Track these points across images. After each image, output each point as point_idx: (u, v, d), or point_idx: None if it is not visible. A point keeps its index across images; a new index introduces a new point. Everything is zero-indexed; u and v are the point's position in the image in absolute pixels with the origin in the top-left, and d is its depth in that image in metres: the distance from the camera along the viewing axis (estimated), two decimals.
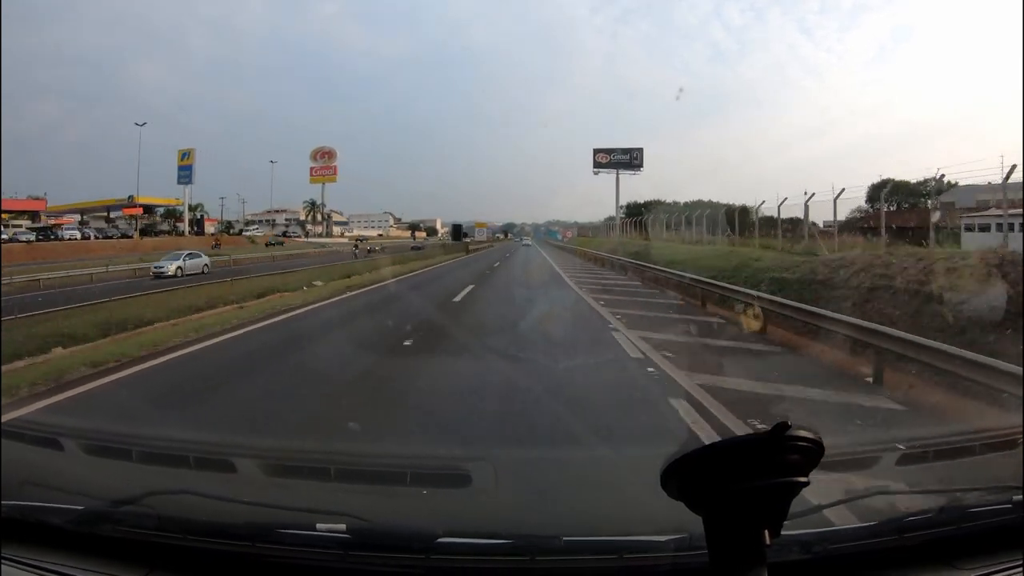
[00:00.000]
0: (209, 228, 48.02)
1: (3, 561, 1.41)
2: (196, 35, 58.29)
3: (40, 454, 2.85)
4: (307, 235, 50.66)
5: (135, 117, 58.68)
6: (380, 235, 53.81)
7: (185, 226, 46.16)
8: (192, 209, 47.69)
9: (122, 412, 5.37)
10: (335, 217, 54.73)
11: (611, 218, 48.35)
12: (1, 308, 9.14)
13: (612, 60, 60.60)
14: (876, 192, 22.18)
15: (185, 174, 44.70)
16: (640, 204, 47.06)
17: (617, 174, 46.69)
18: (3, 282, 16.02)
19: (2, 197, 34.04)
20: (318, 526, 1.51)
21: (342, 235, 51.96)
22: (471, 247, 44.04)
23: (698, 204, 33.34)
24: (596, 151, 46.79)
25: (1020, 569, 1.39)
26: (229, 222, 50.62)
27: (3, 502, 1.55)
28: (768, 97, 57.44)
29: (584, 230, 52.98)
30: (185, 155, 44.33)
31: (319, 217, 52.40)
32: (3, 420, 4.09)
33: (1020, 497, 1.51)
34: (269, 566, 1.45)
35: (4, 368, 6.33)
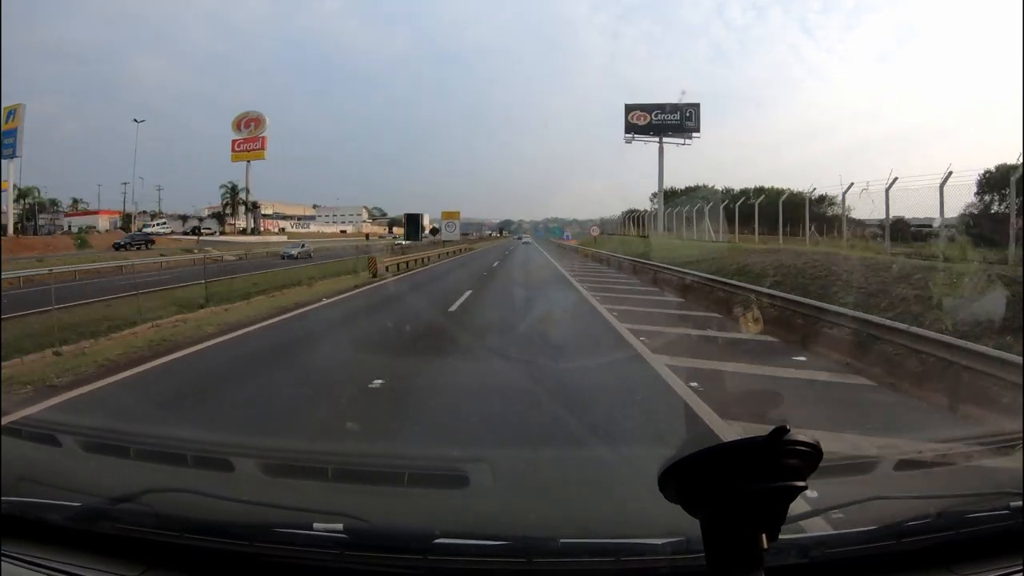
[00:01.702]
0: (103, 223, 36.65)
1: (2, 558, 1.41)
2: (195, 31, 57.82)
3: (38, 451, 2.85)
4: (220, 232, 38.26)
5: (133, 114, 57.82)
6: (343, 232, 44.65)
7: (9, 221, 29.76)
8: (23, 195, 31.35)
9: (120, 411, 5.37)
10: (298, 211, 45.34)
11: (631, 211, 37.80)
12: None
13: (613, 59, 60.28)
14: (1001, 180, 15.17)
15: (9, 143, 28.95)
16: (678, 190, 34.84)
17: (661, 142, 33.53)
18: None
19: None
20: (315, 526, 1.51)
21: (281, 231, 41.45)
22: (384, 264, 20.39)
23: (760, 191, 26.25)
24: (629, 109, 33.67)
25: (1020, 574, 1.39)
26: (130, 215, 37.86)
27: (2, 498, 1.55)
28: (769, 97, 57.11)
29: (604, 226, 41.88)
30: (10, 114, 28.69)
31: (244, 207, 38.97)
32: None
33: (1019, 503, 1.51)
34: (266, 565, 1.45)
35: None
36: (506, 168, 60.38)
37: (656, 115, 33.83)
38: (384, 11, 61.54)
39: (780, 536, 1.05)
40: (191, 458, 2.77)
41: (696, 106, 33.67)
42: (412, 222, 36.99)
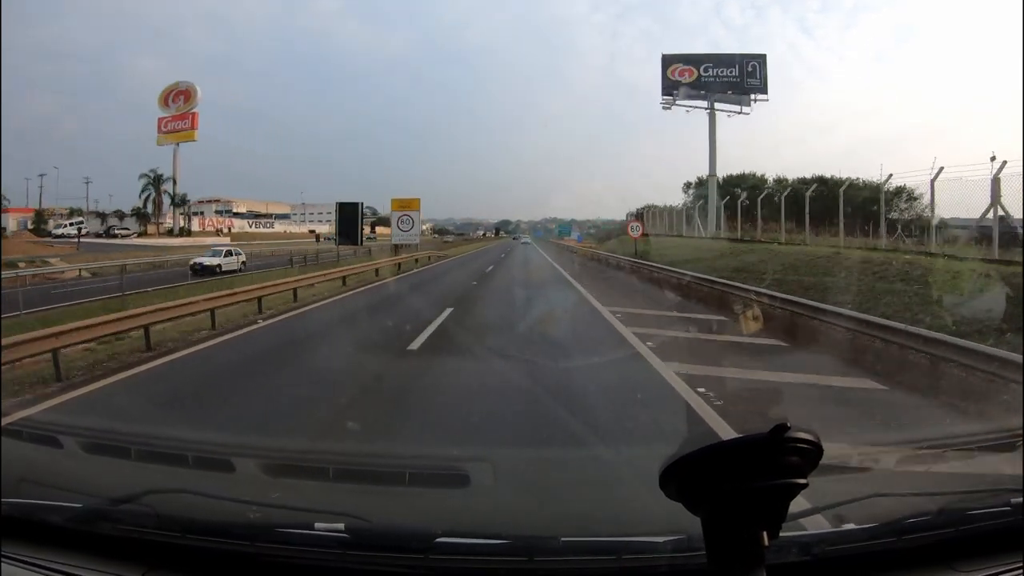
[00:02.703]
0: (11, 222, 29.87)
1: (3, 559, 1.41)
2: (193, 29, 57.23)
3: (39, 452, 2.85)
4: (139, 234, 31.10)
5: (131, 113, 57.15)
6: (311, 232, 37.62)
7: None
8: None
9: (120, 411, 5.36)
10: (283, 208, 38.29)
11: (647, 207, 30.15)
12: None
13: (612, 58, 59.83)
14: None
15: None
16: (705, 180, 26.89)
17: (712, 109, 24.84)
18: None
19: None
20: (317, 525, 1.51)
21: (225, 231, 33.78)
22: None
23: (822, 180, 20.81)
24: (668, 62, 24.99)
25: (1020, 571, 1.39)
26: (40, 212, 31.10)
27: (3, 500, 1.55)
28: (769, 95, 56.82)
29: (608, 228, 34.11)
30: None
31: (172, 202, 31.11)
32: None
33: (1019, 499, 1.51)
34: (267, 565, 1.45)
35: None
36: (504, 168, 59.67)
37: (705, 70, 24.60)
38: (383, 11, 61.28)
39: (781, 533, 1.04)
40: (192, 459, 2.77)
41: (762, 58, 24.07)
42: (347, 217, 22.51)
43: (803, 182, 22.36)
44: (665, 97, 25.30)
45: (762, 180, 26.23)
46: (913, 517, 1.51)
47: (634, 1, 58.59)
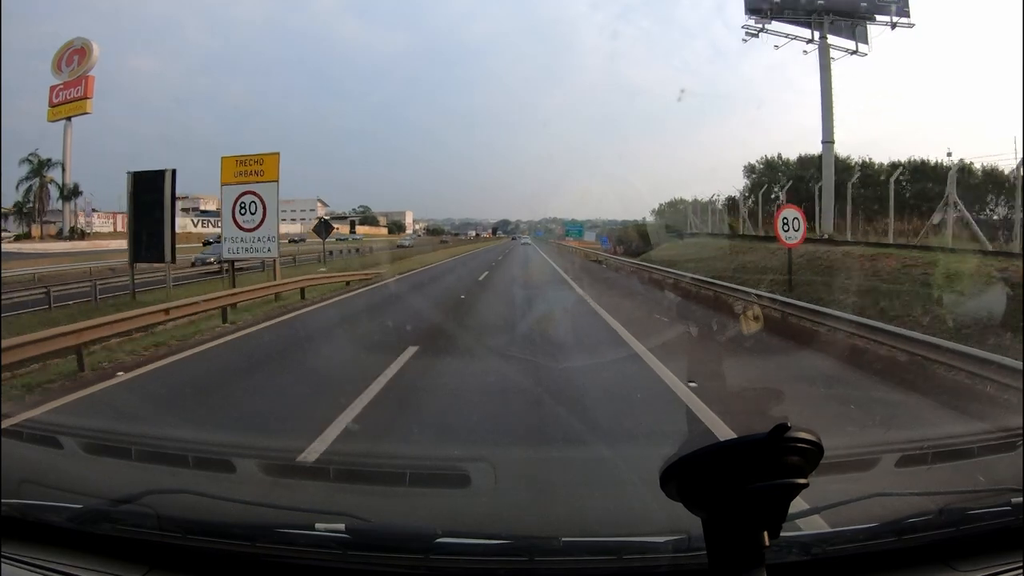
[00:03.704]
0: None
1: (3, 560, 1.41)
2: (192, 28, 56.87)
3: (40, 453, 2.86)
4: (18, 236, 24.99)
5: (130, 112, 56.76)
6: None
7: None
8: None
9: (121, 411, 5.36)
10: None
11: (678, 201, 23.70)
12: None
13: (612, 58, 59.50)
14: None
15: None
16: (775, 162, 21.28)
17: (822, 37, 16.60)
18: None
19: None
20: (317, 526, 1.51)
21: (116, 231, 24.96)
22: None
23: (924, 164, 16.31)
24: None
25: (1020, 571, 1.39)
26: None
27: (3, 500, 1.55)
28: (770, 96, 56.46)
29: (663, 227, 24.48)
30: None
31: (61, 195, 24.48)
32: None
33: (1019, 499, 1.51)
34: (268, 566, 1.45)
35: None
36: (503, 169, 59.26)
37: None
38: (384, 11, 61.12)
39: (781, 533, 1.04)
40: (192, 459, 2.78)
41: None
42: (145, 205, 12.42)
43: (894, 166, 18.04)
44: (751, 18, 16.68)
45: (847, 164, 19.90)
46: (913, 517, 1.51)
47: (634, 1, 58.46)
